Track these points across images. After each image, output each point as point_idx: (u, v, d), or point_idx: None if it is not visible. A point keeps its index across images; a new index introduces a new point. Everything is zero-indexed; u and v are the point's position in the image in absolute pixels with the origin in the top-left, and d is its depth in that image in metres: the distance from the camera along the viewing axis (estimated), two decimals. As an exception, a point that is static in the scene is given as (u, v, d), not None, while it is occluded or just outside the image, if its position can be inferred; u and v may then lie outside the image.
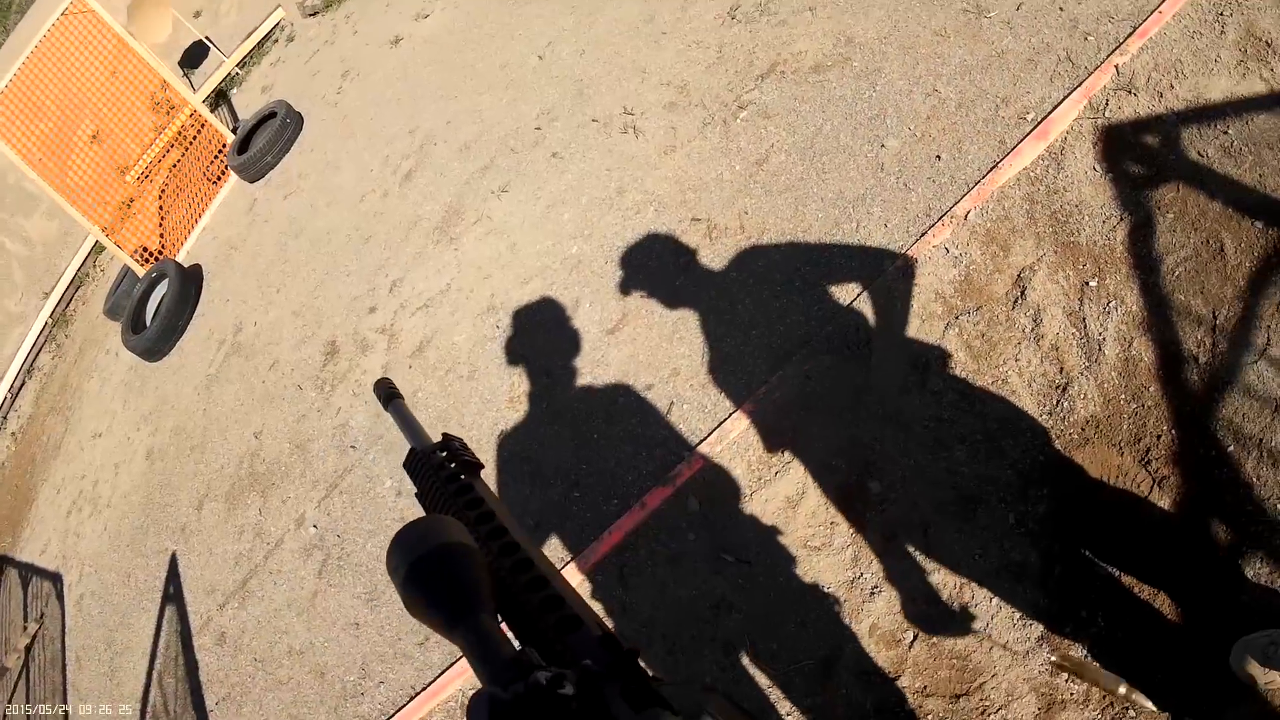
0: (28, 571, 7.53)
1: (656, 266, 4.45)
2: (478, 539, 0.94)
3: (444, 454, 1.09)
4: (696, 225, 4.48)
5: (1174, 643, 3.06)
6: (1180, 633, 3.08)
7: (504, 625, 0.88)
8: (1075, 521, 3.34)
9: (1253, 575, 3.20)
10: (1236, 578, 3.15)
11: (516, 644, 0.80)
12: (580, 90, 5.39)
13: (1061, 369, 3.73)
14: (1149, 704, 3.02)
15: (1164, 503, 3.35)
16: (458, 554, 0.85)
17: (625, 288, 4.51)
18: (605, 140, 5.01)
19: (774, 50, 5.05)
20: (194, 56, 12.79)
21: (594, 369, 4.30)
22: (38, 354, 11.16)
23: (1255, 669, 2.92)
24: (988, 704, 3.13)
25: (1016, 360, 3.81)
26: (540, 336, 4.65)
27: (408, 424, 1.20)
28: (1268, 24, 4.62)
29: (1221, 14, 4.69)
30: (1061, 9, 4.93)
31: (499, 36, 7.21)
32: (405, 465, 1.12)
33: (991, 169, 4.33)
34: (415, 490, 1.12)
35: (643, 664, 0.74)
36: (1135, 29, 4.72)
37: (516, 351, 4.68)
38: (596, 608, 3.77)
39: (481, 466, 1.08)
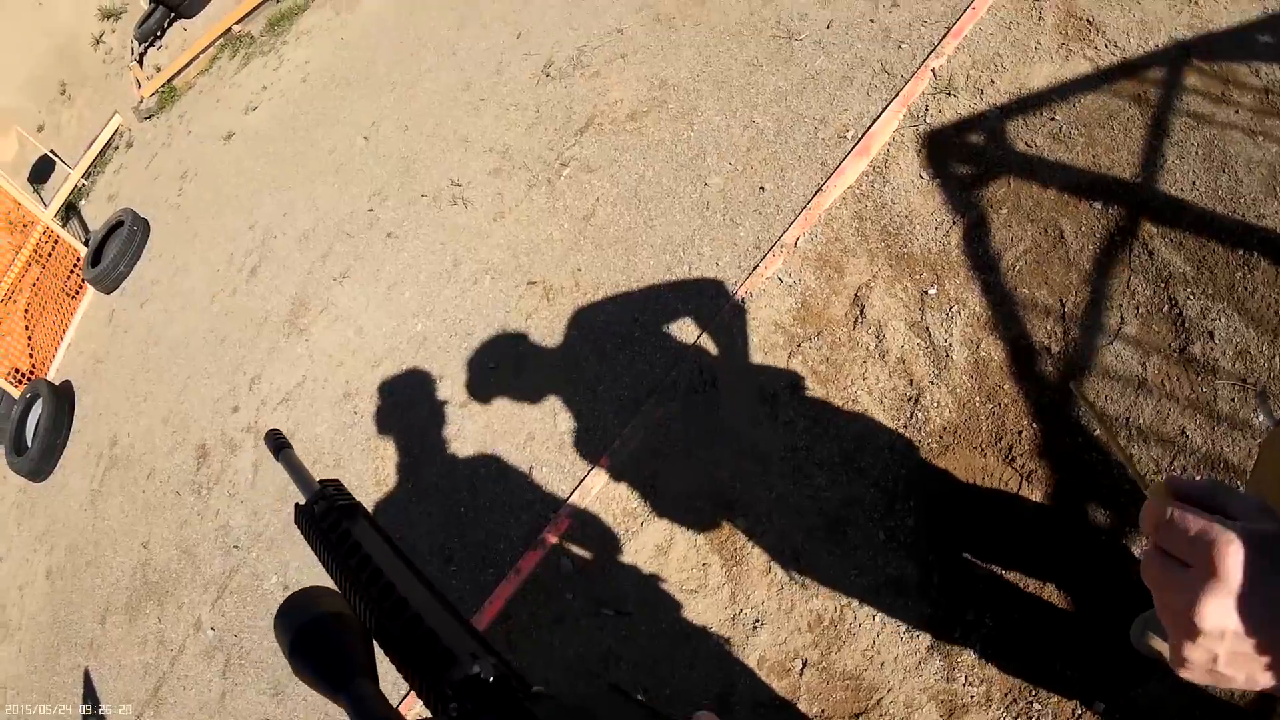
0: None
1: (499, 334, 4.44)
2: (358, 587, 0.95)
3: (320, 503, 1.09)
4: (533, 288, 4.48)
5: (1070, 630, 3.10)
6: (1075, 620, 3.13)
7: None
8: (948, 528, 3.36)
9: (1140, 553, 3.23)
10: (1124, 557, 3.20)
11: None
12: (407, 167, 5.37)
13: (911, 381, 3.75)
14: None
15: (1036, 495, 3.38)
16: (331, 624, 0.90)
17: (472, 360, 4.48)
18: (436, 214, 4.98)
19: (590, 103, 5.08)
20: (41, 171, 12.61)
21: (453, 443, 4.26)
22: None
23: (1158, 643, 2.97)
24: (888, 718, 3.13)
25: (864, 379, 3.82)
26: (397, 417, 4.60)
27: (299, 474, 1.17)
28: (1087, 2, 4.69)
29: (1038, 0, 4.77)
30: (872, 20, 4.98)
31: (324, 122, 7.18)
32: (295, 521, 1.12)
33: (816, 193, 4.36)
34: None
35: (539, 687, 0.72)
36: (950, 29, 4.79)
37: (376, 435, 4.63)
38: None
39: (358, 507, 1.08)
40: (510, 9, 5.69)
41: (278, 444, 1.26)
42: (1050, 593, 3.20)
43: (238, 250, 7.01)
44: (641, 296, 4.31)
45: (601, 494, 3.84)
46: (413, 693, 3.96)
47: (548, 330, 4.38)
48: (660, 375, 4.04)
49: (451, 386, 4.46)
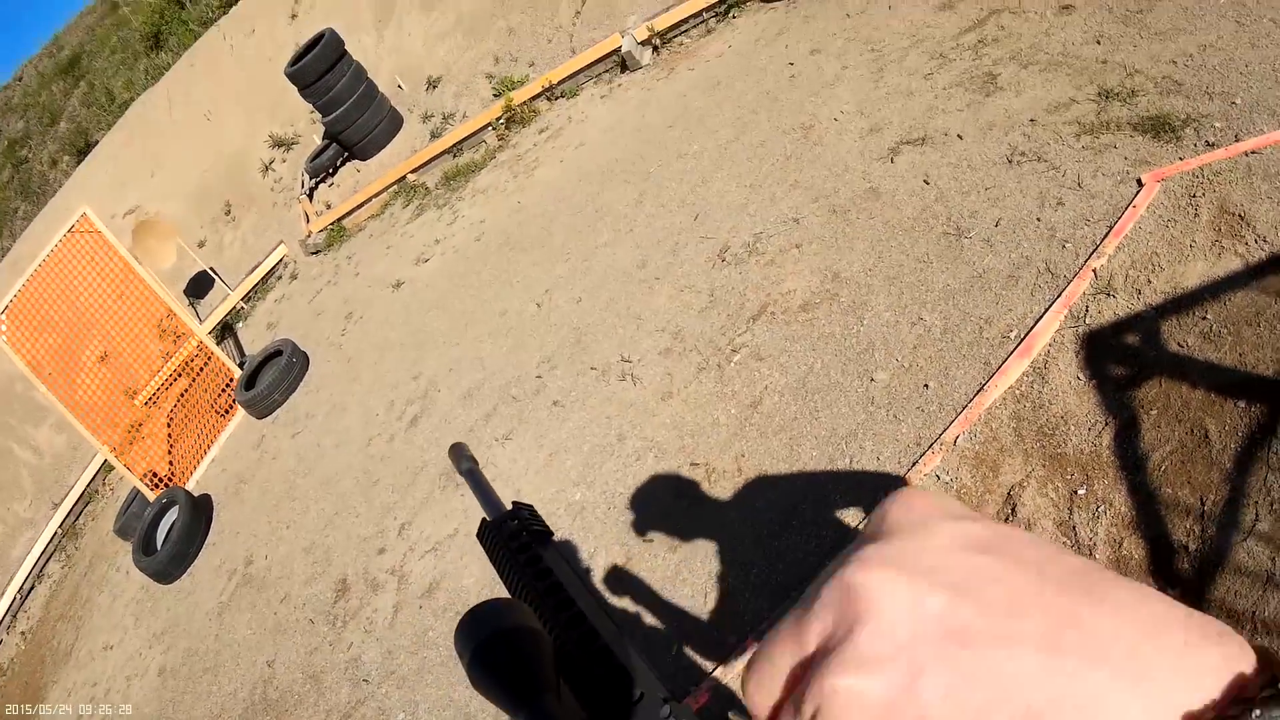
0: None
1: (657, 512, 4.50)
2: (545, 610, 0.94)
3: (514, 522, 1.06)
4: (695, 469, 4.54)
5: None
6: None
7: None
8: None
9: None
10: None
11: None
12: (578, 338, 5.51)
13: None
14: None
15: None
16: (519, 638, 0.85)
17: (627, 533, 4.55)
18: (604, 388, 5.11)
19: (764, 291, 5.18)
20: (199, 286, 13.04)
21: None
22: (47, 561, 11.31)
23: None
24: None
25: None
26: None
27: (483, 491, 1.16)
28: (1239, 197, 4.72)
29: (1194, 196, 4.79)
30: (1039, 219, 5.02)
31: (497, 283, 7.40)
32: (478, 535, 1.09)
33: (978, 392, 4.39)
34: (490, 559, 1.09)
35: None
36: (1111, 228, 4.81)
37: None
38: None
39: (551, 535, 1.07)
40: (689, 190, 5.84)
41: (464, 459, 1.25)
42: None
43: (399, 398, 7.20)
44: (803, 486, 4.34)
45: (738, 676, 3.85)
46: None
47: (707, 511, 4.43)
48: (814, 565, 4.07)
49: (605, 557, 4.52)
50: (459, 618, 0.91)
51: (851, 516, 4.17)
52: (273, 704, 5.70)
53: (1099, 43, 6.00)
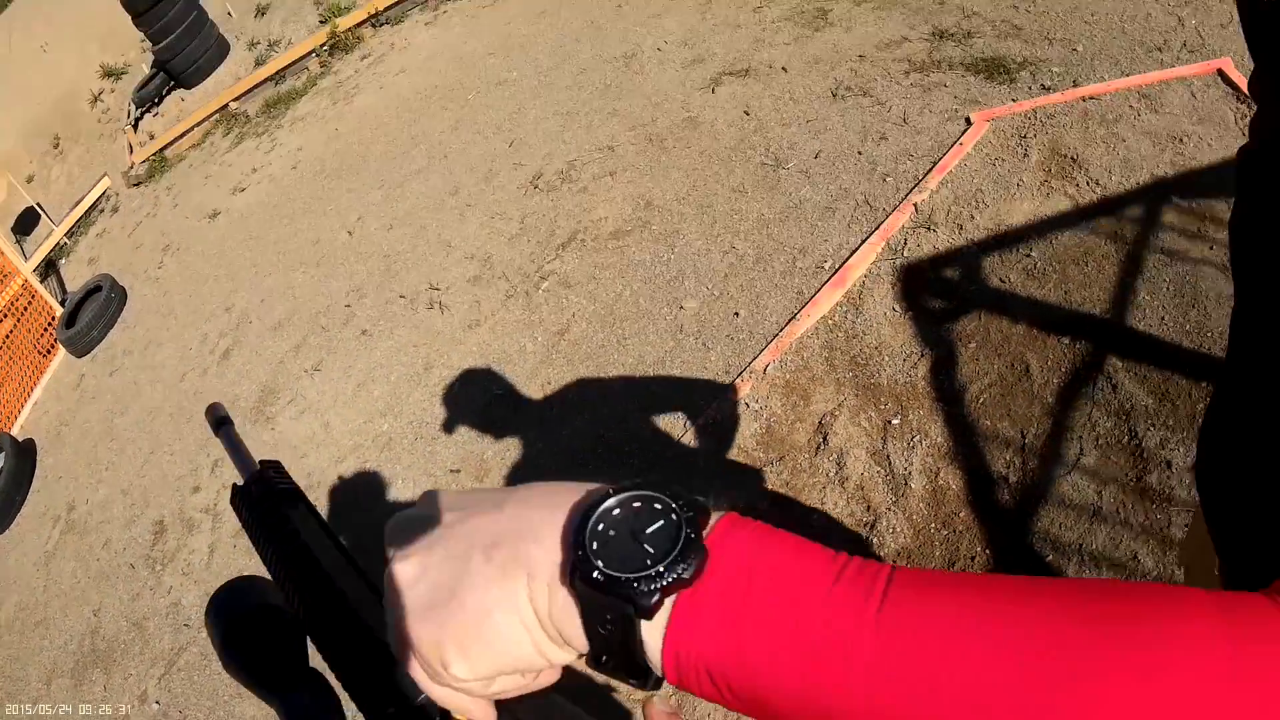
0: None
1: (464, 441, 4.40)
2: (290, 577, 0.89)
3: (259, 484, 1.00)
4: (502, 398, 4.46)
5: None
6: None
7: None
8: None
9: None
10: None
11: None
12: (388, 266, 5.35)
13: (869, 507, 3.74)
14: None
15: None
16: (267, 620, 0.83)
17: (434, 464, 4.43)
18: (412, 316, 4.96)
19: (575, 218, 5.10)
20: (25, 223, 12.48)
21: None
22: None
23: None
24: None
25: (822, 504, 3.81)
26: (356, 515, 4.53)
27: (238, 453, 1.07)
28: (1073, 140, 4.82)
29: (1025, 137, 4.85)
30: (860, 153, 5.03)
31: (311, 212, 7.18)
32: (231, 502, 1.03)
33: (790, 321, 4.37)
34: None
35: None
36: (935, 164, 4.83)
37: (335, 530, 4.55)
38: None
39: (299, 493, 1.00)
40: (506, 117, 5.71)
41: (218, 419, 1.15)
42: None
43: (212, 331, 6.97)
44: (608, 415, 4.29)
45: None
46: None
47: (512, 441, 4.34)
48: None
49: (413, 488, 4.40)
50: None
51: (658, 443, 4.14)
52: (101, 655, 5.50)
53: (940, -18, 6.02)
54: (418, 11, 8.86)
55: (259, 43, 10.92)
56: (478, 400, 4.50)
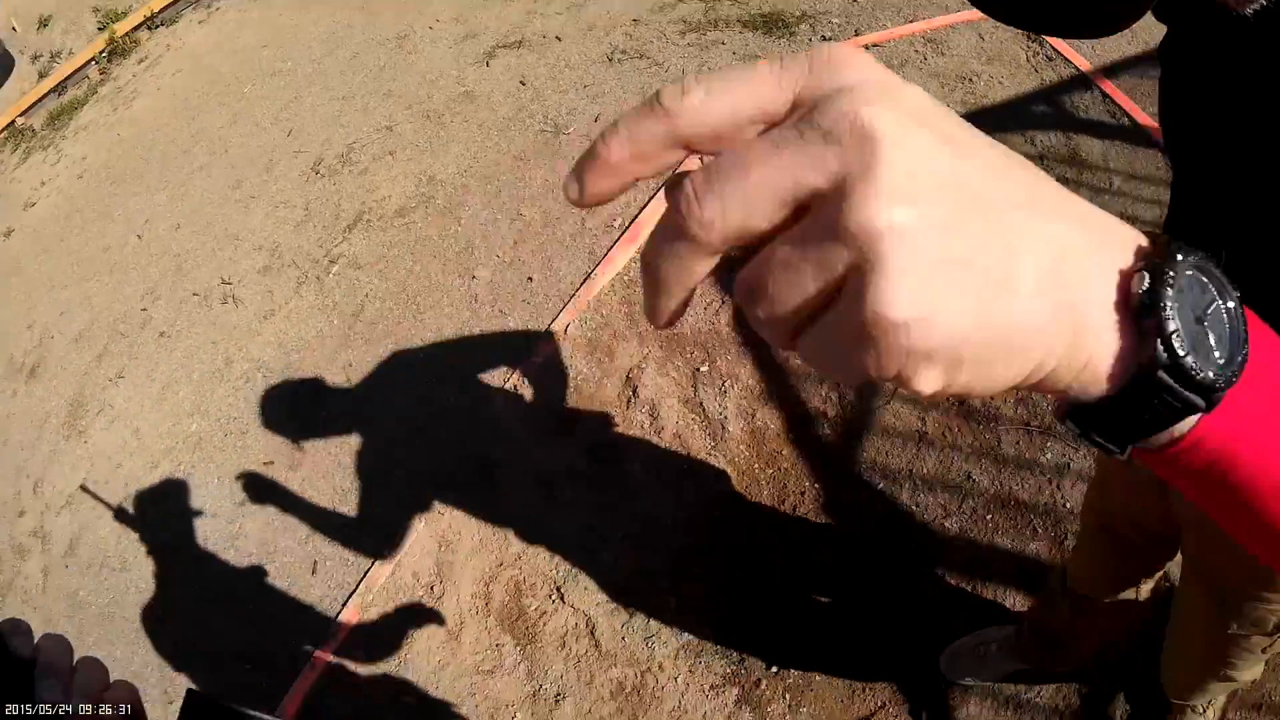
0: None
1: (272, 432, 4.33)
2: None
3: None
4: (304, 385, 4.41)
5: (875, 666, 3.22)
6: (878, 656, 3.24)
7: None
8: (740, 588, 3.42)
9: (934, 595, 3.34)
10: (917, 596, 3.33)
11: None
12: (179, 265, 5.19)
13: (689, 454, 3.78)
14: None
15: (825, 551, 3.46)
16: None
17: (247, 459, 4.34)
18: (208, 313, 4.83)
19: (359, 200, 5.04)
20: None
21: (236, 541, 4.08)
22: None
23: (971, 672, 3.14)
24: None
25: (640, 457, 3.84)
26: (177, 518, 4.38)
27: None
28: None
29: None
30: None
31: (100, 219, 6.83)
32: None
33: (584, 280, 4.38)
34: None
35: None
36: None
37: (159, 537, 4.43)
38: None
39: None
40: (283, 107, 5.60)
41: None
42: (849, 635, 3.29)
43: (17, 351, 6.70)
44: (413, 391, 4.27)
45: (387, 585, 3.75)
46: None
47: (322, 427, 4.30)
48: (438, 468, 4.01)
49: (230, 485, 4.30)
50: None
51: (465, 415, 4.14)
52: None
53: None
54: (191, 10, 8.62)
55: (41, 55, 10.55)
56: (282, 389, 4.45)
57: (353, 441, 4.20)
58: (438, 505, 3.89)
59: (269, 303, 4.68)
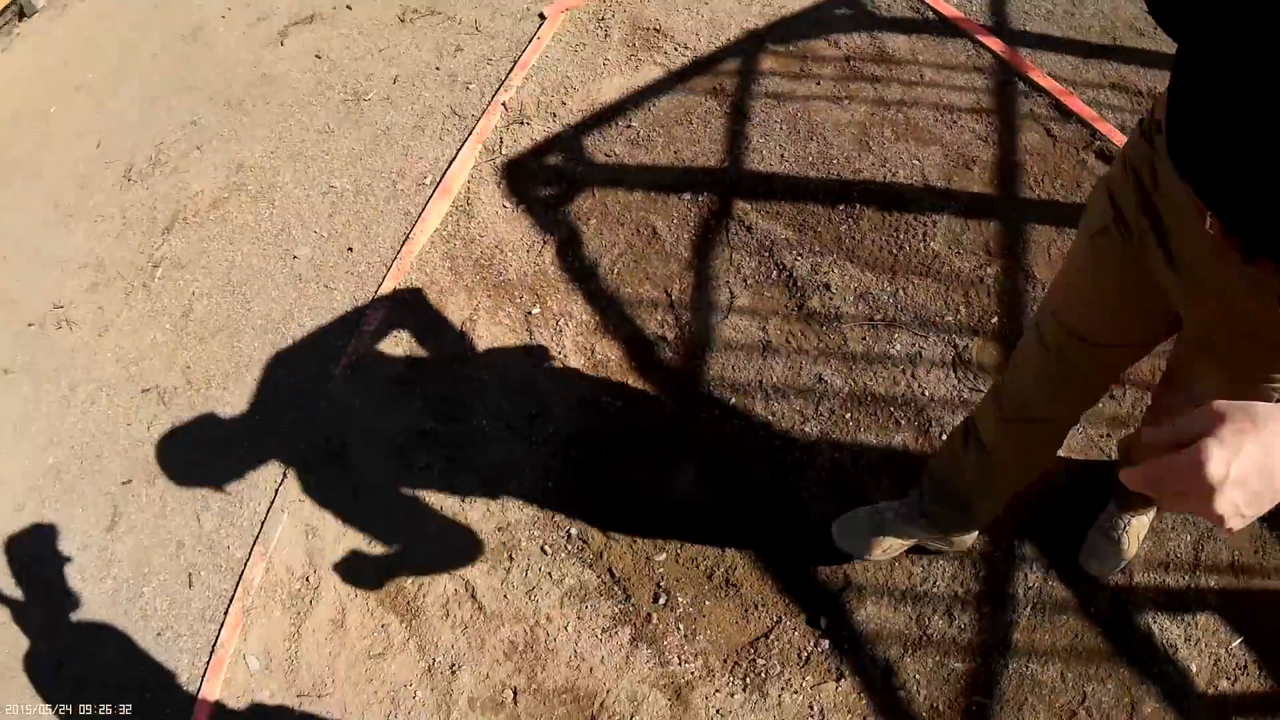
0: None
1: (125, 450, 4.26)
2: None
3: None
4: (147, 395, 4.34)
5: (760, 574, 3.34)
6: (761, 563, 3.37)
7: None
8: (611, 524, 3.50)
9: (808, 501, 3.46)
10: (794, 506, 3.46)
11: None
12: (9, 299, 4.97)
13: (535, 398, 3.83)
14: None
15: (689, 472, 3.57)
16: None
17: (106, 482, 4.26)
18: (46, 341, 4.67)
19: (173, 200, 4.96)
20: None
21: (110, 569, 4.01)
22: None
23: (864, 545, 3.28)
24: (618, 717, 3.18)
25: (487, 408, 3.87)
26: (52, 557, 4.25)
27: None
28: (653, 12, 5.01)
29: (603, 19, 5.02)
30: (438, 69, 5.07)
31: (-80, 267, 6.67)
32: None
33: (404, 242, 4.39)
34: None
35: None
36: (516, 62, 4.89)
37: (36, 578, 4.31)
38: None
39: None
40: (89, 121, 5.44)
41: None
42: (730, 555, 3.39)
43: None
44: (255, 380, 4.24)
45: (264, 584, 3.73)
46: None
47: (169, 434, 4.24)
48: (290, 454, 3.99)
49: (96, 513, 4.22)
50: None
51: (308, 396, 4.13)
52: None
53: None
54: (-9, 40, 8.41)
55: None
56: (128, 404, 4.37)
57: (203, 444, 4.17)
58: (296, 493, 3.88)
59: (101, 319, 4.61)
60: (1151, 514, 3.13)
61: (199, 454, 4.15)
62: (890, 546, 3.28)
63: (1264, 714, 2.96)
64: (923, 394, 3.62)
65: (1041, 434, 2.64)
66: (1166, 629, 3.07)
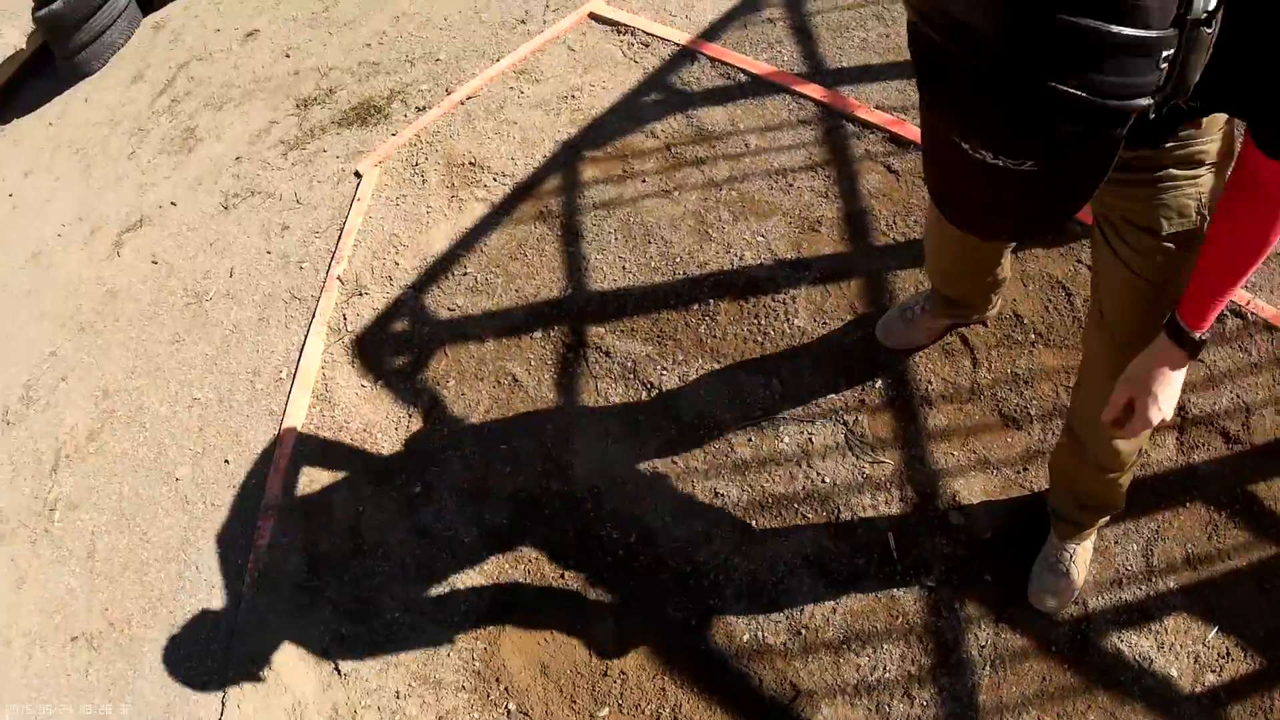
0: None
1: (68, 699, 4.19)
2: None
3: None
4: (75, 643, 4.33)
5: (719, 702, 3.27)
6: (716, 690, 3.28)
7: None
8: (550, 691, 3.46)
9: (734, 614, 3.50)
10: (724, 623, 3.46)
11: None
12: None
13: (437, 579, 3.88)
14: None
15: (611, 623, 3.56)
16: None
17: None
18: (-27, 602, 4.66)
19: (52, 437, 4.99)
20: None
21: None
22: None
23: (906, 336, 3.75)
24: None
25: (395, 600, 3.88)
26: None
27: None
28: (465, 146, 5.00)
29: (416, 164, 5.02)
30: (269, 252, 5.10)
31: None
32: None
33: (275, 447, 4.41)
34: None
35: None
36: (342, 229, 4.91)
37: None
38: None
39: None
40: (-47, 371, 5.45)
41: None
42: (671, 690, 3.37)
43: None
44: (168, 612, 4.21)
45: None
46: None
47: (106, 678, 4.18)
48: (223, 680, 3.92)
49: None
50: None
51: (210, 626, 4.10)
52: None
53: (289, 55, 6.13)
54: None
55: None
56: (55, 659, 4.35)
57: (135, 685, 4.11)
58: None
59: (15, 572, 4.62)
60: (1093, 537, 3.09)
61: (129, 695, 4.09)
62: (934, 327, 3.62)
63: (1260, 690, 2.89)
64: (823, 482, 3.54)
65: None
66: (1135, 644, 3.01)
